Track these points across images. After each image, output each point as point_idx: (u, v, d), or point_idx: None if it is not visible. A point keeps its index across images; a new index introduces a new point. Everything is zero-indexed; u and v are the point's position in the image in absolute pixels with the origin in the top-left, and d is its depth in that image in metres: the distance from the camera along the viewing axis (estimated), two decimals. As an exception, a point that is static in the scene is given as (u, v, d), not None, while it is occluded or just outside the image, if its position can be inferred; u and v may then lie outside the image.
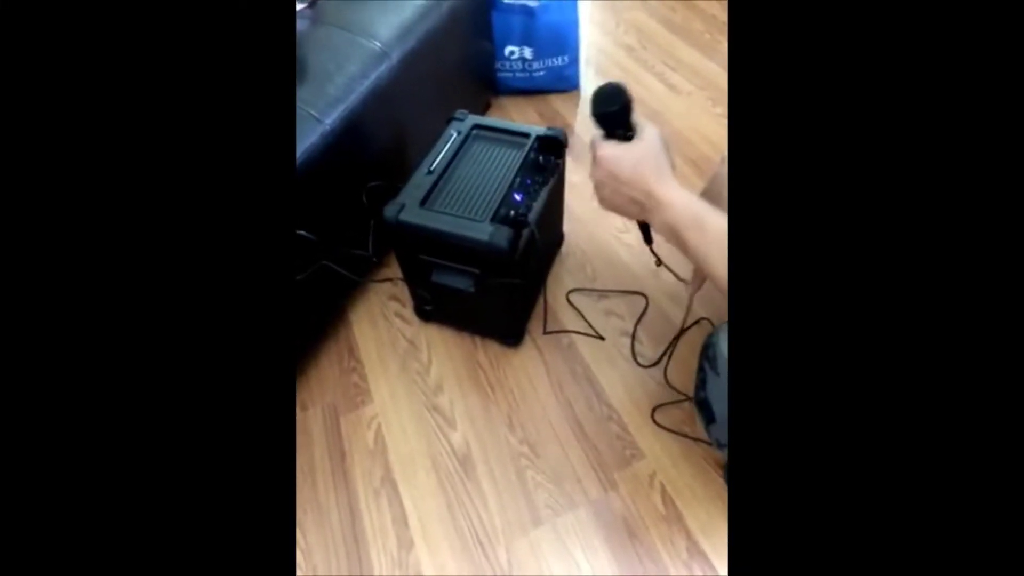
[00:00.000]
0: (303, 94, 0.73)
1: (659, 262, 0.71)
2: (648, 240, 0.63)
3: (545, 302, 0.91)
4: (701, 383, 0.54)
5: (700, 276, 0.69)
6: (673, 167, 0.53)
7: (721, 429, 0.54)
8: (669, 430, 0.76)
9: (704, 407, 0.55)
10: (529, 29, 1.17)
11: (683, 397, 0.78)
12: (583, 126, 1.23)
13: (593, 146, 0.55)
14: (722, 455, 0.61)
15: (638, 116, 0.56)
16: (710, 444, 0.65)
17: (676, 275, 0.88)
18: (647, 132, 0.53)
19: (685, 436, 0.75)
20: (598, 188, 0.55)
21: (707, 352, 0.53)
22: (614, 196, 0.54)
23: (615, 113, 0.54)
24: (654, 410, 0.78)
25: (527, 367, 0.85)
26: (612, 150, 0.53)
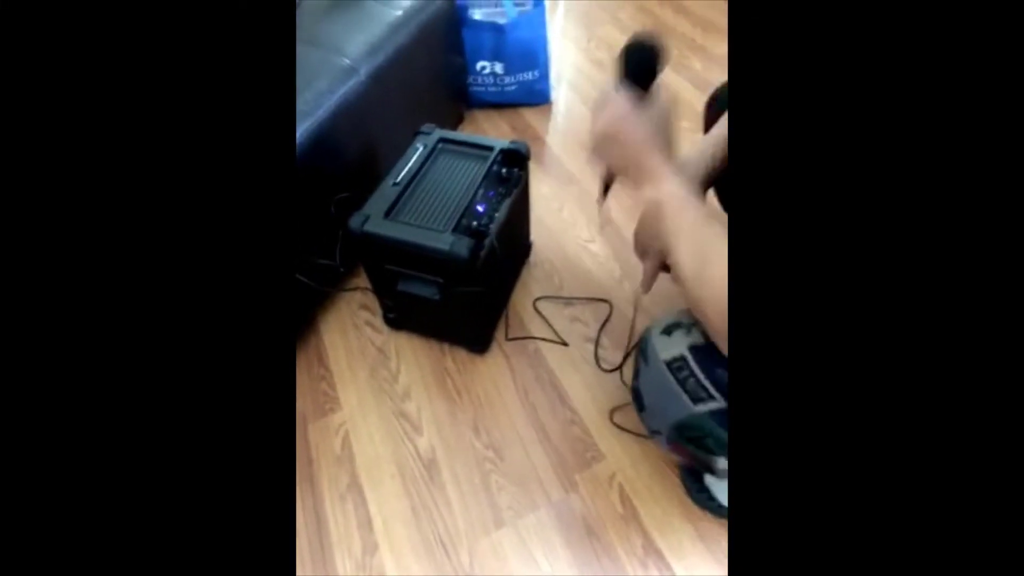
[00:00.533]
0: (271, 109, 0.75)
1: (604, 224, 0.67)
2: (604, 194, 0.61)
3: (508, 310, 0.93)
4: (635, 374, 0.56)
5: (650, 276, 0.68)
6: (672, 146, 0.52)
7: (649, 416, 0.55)
8: (627, 430, 0.79)
9: (637, 396, 0.56)
10: (499, 45, 1.21)
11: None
12: (554, 139, 1.27)
13: (606, 93, 0.52)
14: (656, 442, 0.61)
15: (657, 89, 0.52)
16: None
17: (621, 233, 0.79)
18: (661, 101, 0.51)
19: (642, 436, 0.77)
20: (598, 135, 0.52)
21: (641, 345, 0.54)
22: (609, 148, 0.52)
23: (646, 71, 0.51)
24: (612, 411, 0.81)
25: (493, 373, 0.87)
26: (625, 104, 0.50)
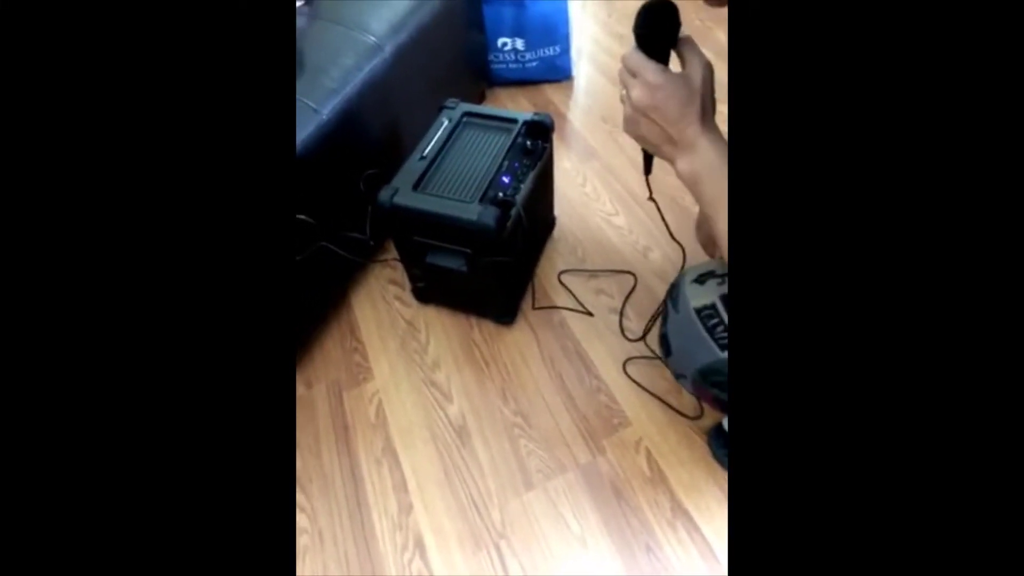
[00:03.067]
0: (300, 87, 0.78)
1: (651, 196, 0.64)
2: (647, 171, 0.58)
3: (533, 283, 0.95)
4: (663, 320, 0.57)
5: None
6: (715, 109, 0.49)
7: (676, 361, 0.56)
8: (637, 383, 0.82)
9: (664, 341, 0.57)
10: (520, 20, 1.21)
11: (657, 355, 0.82)
12: (575, 115, 1.27)
13: (627, 62, 0.48)
14: (680, 384, 0.61)
15: (687, 44, 0.49)
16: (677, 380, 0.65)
17: (661, 213, 0.76)
18: (695, 65, 0.47)
19: (655, 396, 0.79)
20: (629, 113, 0.50)
21: (671, 292, 0.55)
22: (641, 124, 0.49)
23: (662, 34, 0.48)
24: (625, 363, 0.84)
25: (520, 344, 0.89)
26: (657, 76, 0.46)
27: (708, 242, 0.73)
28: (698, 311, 0.50)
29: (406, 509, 0.74)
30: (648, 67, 0.46)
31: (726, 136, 0.45)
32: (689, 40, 0.49)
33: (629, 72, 0.48)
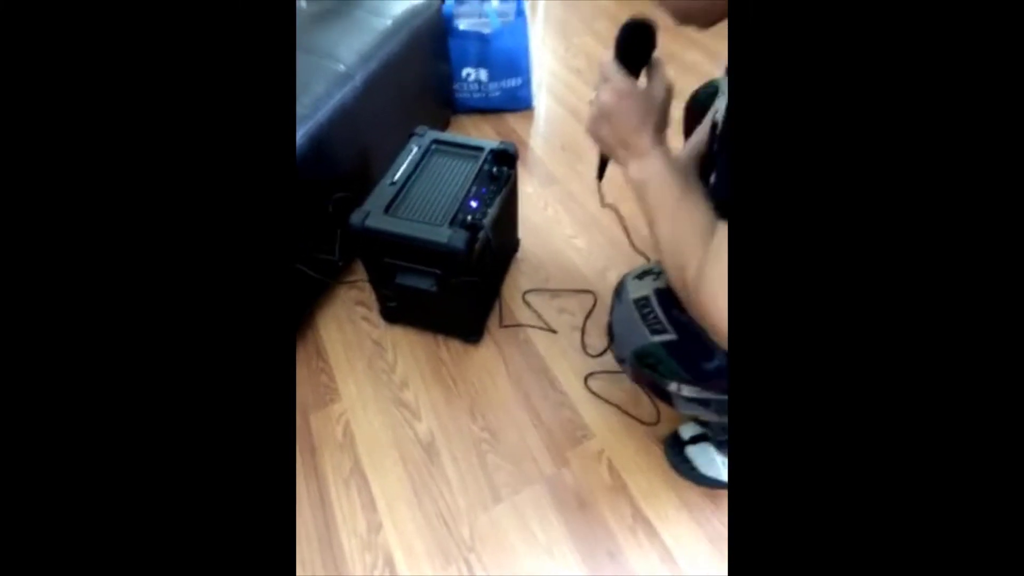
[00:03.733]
0: (272, 112, 0.79)
1: (603, 202, 0.69)
2: (600, 175, 0.63)
3: (501, 301, 0.98)
4: (611, 310, 0.63)
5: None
6: (668, 125, 0.54)
7: (618, 345, 0.62)
8: (599, 396, 0.86)
9: (609, 329, 0.64)
10: (484, 53, 1.27)
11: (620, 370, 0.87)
12: (536, 143, 1.33)
13: (604, 68, 0.53)
14: (622, 370, 0.65)
15: (657, 65, 0.54)
16: (620, 369, 0.69)
17: (619, 215, 0.80)
18: (659, 85, 0.52)
19: (618, 407, 0.84)
20: (595, 113, 0.54)
21: (618, 287, 0.62)
22: (603, 125, 0.53)
23: (638, 51, 0.53)
24: (587, 377, 0.88)
25: (487, 362, 0.92)
26: (625, 85, 0.51)
27: None
28: (636, 302, 0.57)
29: (375, 528, 0.75)
30: (619, 76, 0.52)
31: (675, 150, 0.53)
32: (659, 61, 0.54)
33: (603, 76, 0.53)
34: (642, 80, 0.54)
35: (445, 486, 0.78)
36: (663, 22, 0.52)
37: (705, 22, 0.48)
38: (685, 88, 0.86)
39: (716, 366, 0.53)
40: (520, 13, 1.26)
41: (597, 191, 0.66)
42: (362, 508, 0.77)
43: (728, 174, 0.45)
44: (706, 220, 0.46)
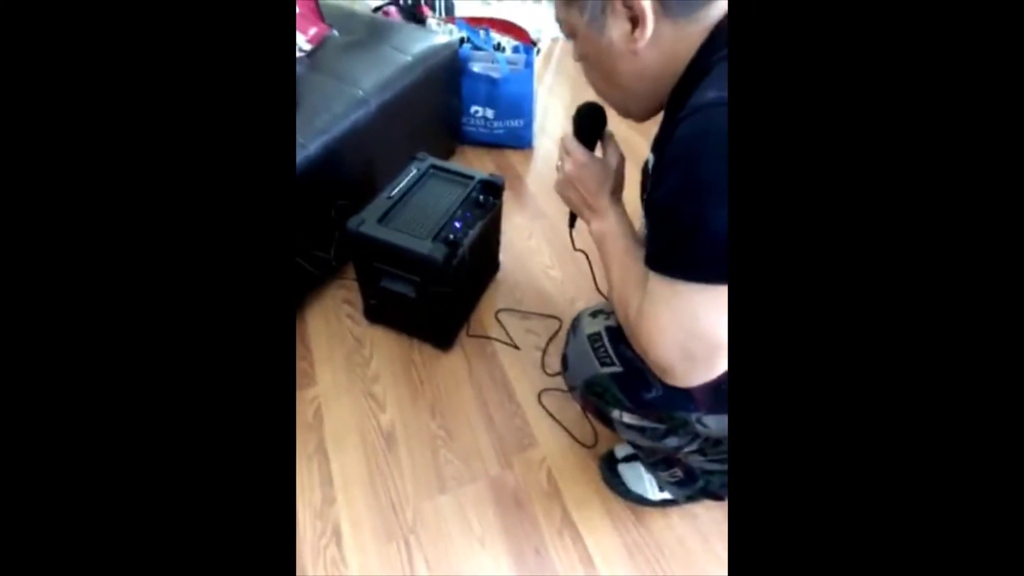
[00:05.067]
0: (294, 124, 0.91)
1: (574, 247, 0.81)
2: (571, 225, 0.75)
3: (472, 316, 1.08)
4: (566, 343, 0.70)
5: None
6: (622, 189, 0.65)
7: (570, 375, 0.69)
8: (550, 414, 0.94)
9: (564, 360, 0.70)
10: (492, 94, 1.41)
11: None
12: (532, 179, 1.45)
13: (565, 143, 0.65)
14: (572, 397, 0.72)
15: (609, 139, 0.67)
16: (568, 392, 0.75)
17: (588, 260, 0.92)
18: (612, 155, 0.64)
19: (563, 425, 0.92)
20: (561, 179, 0.66)
21: (574, 323, 0.69)
22: (568, 189, 0.65)
23: (592, 128, 0.66)
24: (540, 393, 0.96)
25: (454, 369, 1.01)
26: (584, 157, 0.63)
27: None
28: (589, 336, 0.64)
29: (329, 501, 0.82)
30: (579, 150, 0.65)
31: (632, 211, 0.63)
32: (611, 136, 0.68)
33: (565, 150, 0.66)
34: (599, 151, 0.67)
35: (398, 473, 0.86)
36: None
37: (642, 118, 0.61)
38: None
39: (654, 396, 0.58)
40: (528, 64, 1.40)
41: (569, 237, 0.78)
42: (320, 483, 0.84)
43: (652, 231, 0.55)
44: (645, 270, 0.53)
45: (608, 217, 0.63)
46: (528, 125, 1.48)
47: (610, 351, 0.62)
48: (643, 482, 0.83)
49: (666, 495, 0.82)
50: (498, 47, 1.43)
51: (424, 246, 0.85)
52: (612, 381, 0.61)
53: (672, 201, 0.47)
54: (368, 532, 0.80)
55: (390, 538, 0.79)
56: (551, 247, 1.26)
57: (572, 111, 0.68)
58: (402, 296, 0.92)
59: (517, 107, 1.44)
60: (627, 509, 0.83)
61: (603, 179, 0.63)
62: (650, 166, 0.61)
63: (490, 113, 1.44)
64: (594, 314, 0.67)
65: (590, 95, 0.64)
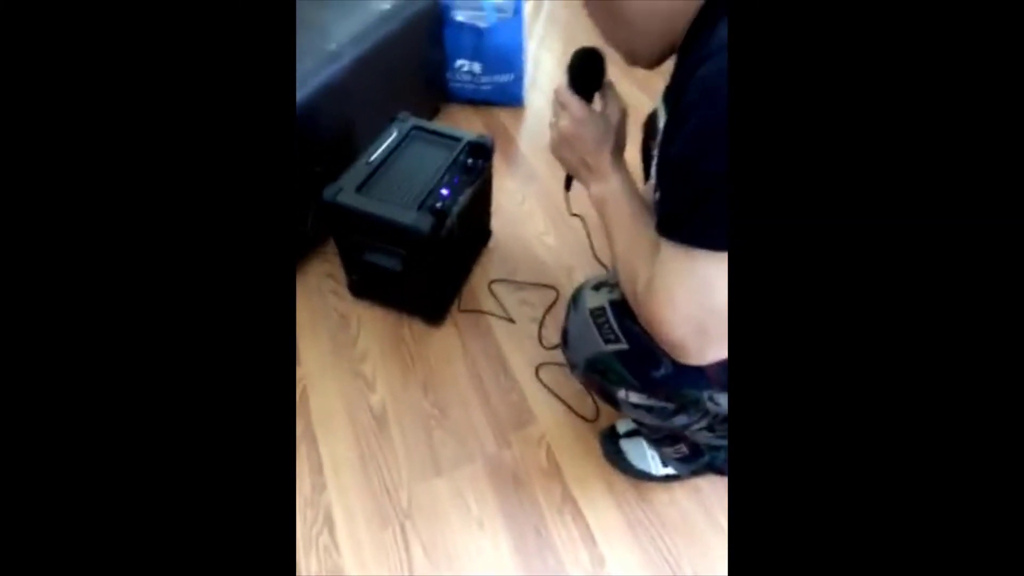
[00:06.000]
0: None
1: (571, 211, 0.75)
2: (567, 188, 0.67)
3: (464, 288, 1.02)
4: (566, 317, 0.65)
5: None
6: (624, 147, 0.58)
7: (571, 352, 0.64)
8: (548, 388, 0.90)
9: (564, 335, 0.65)
10: (478, 46, 1.30)
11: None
12: (523, 140, 1.37)
13: (559, 95, 0.57)
14: (573, 375, 0.68)
15: (609, 89, 0.58)
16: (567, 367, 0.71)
17: (585, 225, 0.89)
18: (614, 108, 0.56)
19: (560, 399, 0.88)
20: (556, 138, 0.58)
21: (575, 295, 0.64)
22: (564, 149, 0.58)
23: (590, 78, 0.57)
24: (538, 368, 0.92)
25: (446, 344, 0.96)
26: (582, 111, 0.55)
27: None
28: (592, 311, 0.59)
29: (319, 488, 0.79)
30: (575, 103, 0.56)
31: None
32: (611, 86, 0.59)
33: (559, 104, 0.58)
34: (596, 104, 0.59)
35: (391, 455, 0.82)
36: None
37: (651, 64, 0.53)
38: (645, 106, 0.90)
39: (663, 375, 0.54)
40: (518, 11, 1.29)
41: (565, 201, 0.71)
42: (309, 470, 0.81)
43: (664, 192, 0.49)
44: (654, 239, 0.48)
45: (610, 179, 0.56)
46: (519, 80, 1.38)
47: (615, 327, 0.56)
48: (646, 458, 0.80)
49: (670, 470, 0.79)
50: (484, -8, 1.31)
51: (408, 216, 0.79)
52: (617, 359, 0.57)
53: (690, 151, 0.40)
54: (361, 519, 0.76)
55: (385, 524, 0.76)
56: (545, 212, 1.19)
57: (567, 62, 0.59)
58: (387, 270, 0.85)
59: (506, 60, 1.33)
60: (630, 485, 0.81)
61: (603, 136, 0.56)
62: (659, 120, 0.54)
63: (477, 67, 1.33)
64: (597, 287, 0.61)
65: (589, 43, 0.56)
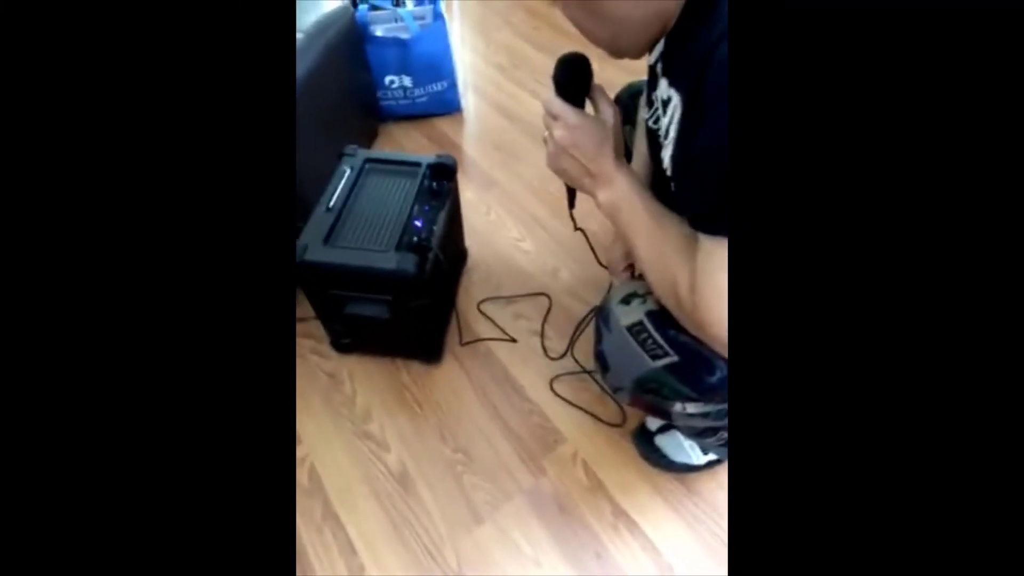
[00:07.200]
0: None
1: (576, 227, 0.71)
2: (571, 205, 0.64)
3: (457, 315, 0.97)
4: (598, 339, 0.61)
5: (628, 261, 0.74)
6: (623, 147, 0.55)
7: (613, 376, 0.61)
8: (566, 400, 0.86)
9: (600, 358, 0.61)
10: (405, 59, 1.23)
11: (584, 370, 0.88)
12: (470, 145, 1.31)
13: (549, 106, 0.54)
14: (617, 397, 0.65)
15: (599, 91, 0.56)
16: (609, 392, 0.69)
17: (590, 244, 0.84)
18: (607, 109, 0.54)
19: (580, 408, 0.85)
20: (553, 151, 0.55)
21: (602, 314, 0.60)
22: (563, 160, 0.54)
23: (578, 83, 0.54)
24: (552, 381, 0.88)
25: (450, 380, 0.90)
26: (575, 118, 0.52)
27: (615, 263, 0.80)
28: (629, 328, 0.55)
29: (357, 571, 0.72)
30: (567, 111, 0.53)
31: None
32: (600, 88, 0.55)
33: (551, 115, 0.54)
34: (588, 109, 0.55)
35: (424, 515, 0.77)
36: (551, 48, 0.52)
37: (638, 55, 0.49)
38: (617, 81, 0.87)
39: (719, 378, 0.52)
40: (438, 16, 1.22)
41: (571, 219, 0.68)
42: (340, 553, 0.74)
43: (690, 191, 0.46)
44: (683, 235, 0.46)
45: (617, 182, 0.52)
46: (452, 86, 1.32)
47: (659, 340, 0.53)
48: (684, 449, 0.78)
49: (711, 456, 0.78)
50: (398, 2, 1.23)
51: (389, 260, 0.72)
52: (669, 373, 0.53)
53: (723, 139, 0.38)
54: (412, 592, 0.71)
55: (438, 590, 0.71)
56: (514, 217, 1.14)
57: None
58: (375, 320, 0.79)
59: (436, 68, 1.27)
60: (674, 482, 0.79)
61: (602, 139, 0.53)
62: (663, 120, 0.50)
63: (407, 81, 1.26)
64: (626, 299, 0.57)
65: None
